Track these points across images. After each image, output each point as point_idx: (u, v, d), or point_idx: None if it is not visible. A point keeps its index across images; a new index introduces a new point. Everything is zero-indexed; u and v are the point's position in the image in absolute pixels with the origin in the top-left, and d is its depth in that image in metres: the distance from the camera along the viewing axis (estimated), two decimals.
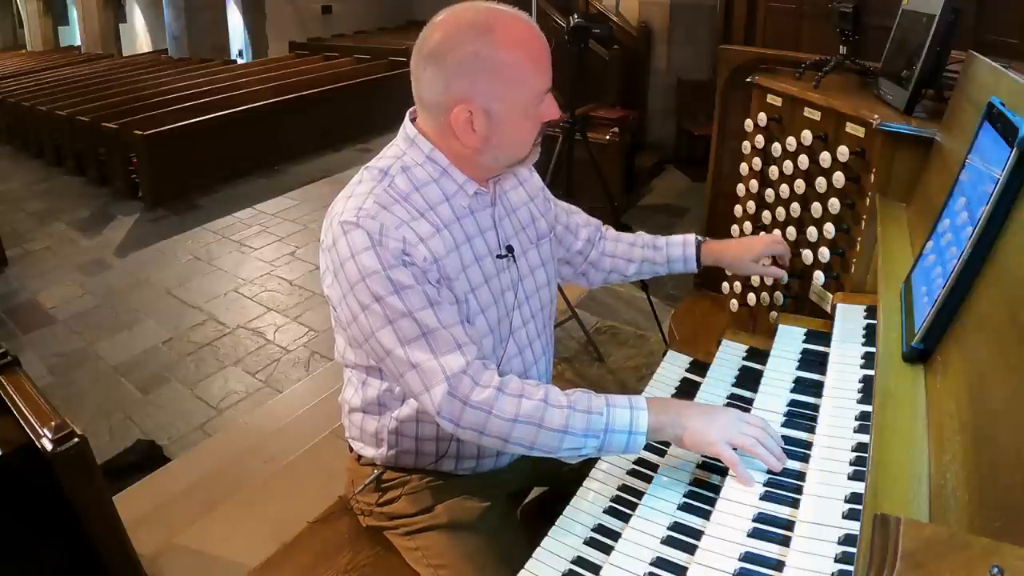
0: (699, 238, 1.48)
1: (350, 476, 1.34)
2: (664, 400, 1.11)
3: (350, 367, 1.24)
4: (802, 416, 1.13)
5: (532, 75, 1.05)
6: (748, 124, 2.12)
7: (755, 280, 2.17)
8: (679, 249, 1.46)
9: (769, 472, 1.01)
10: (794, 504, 0.93)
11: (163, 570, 1.99)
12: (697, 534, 0.94)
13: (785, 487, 0.98)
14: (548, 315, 1.31)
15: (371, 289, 1.02)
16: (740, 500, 0.96)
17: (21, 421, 1.37)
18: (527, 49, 1.04)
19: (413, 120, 1.14)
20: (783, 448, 1.03)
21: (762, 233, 1.38)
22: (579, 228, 1.45)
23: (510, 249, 1.18)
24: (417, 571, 1.23)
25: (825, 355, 1.23)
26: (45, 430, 1.32)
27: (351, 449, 1.34)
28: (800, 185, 1.89)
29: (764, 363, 1.28)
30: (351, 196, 1.08)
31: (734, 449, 1.01)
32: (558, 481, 1.35)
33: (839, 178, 1.69)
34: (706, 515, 0.96)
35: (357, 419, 1.27)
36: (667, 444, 1.15)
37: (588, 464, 1.15)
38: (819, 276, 1.79)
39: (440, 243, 1.08)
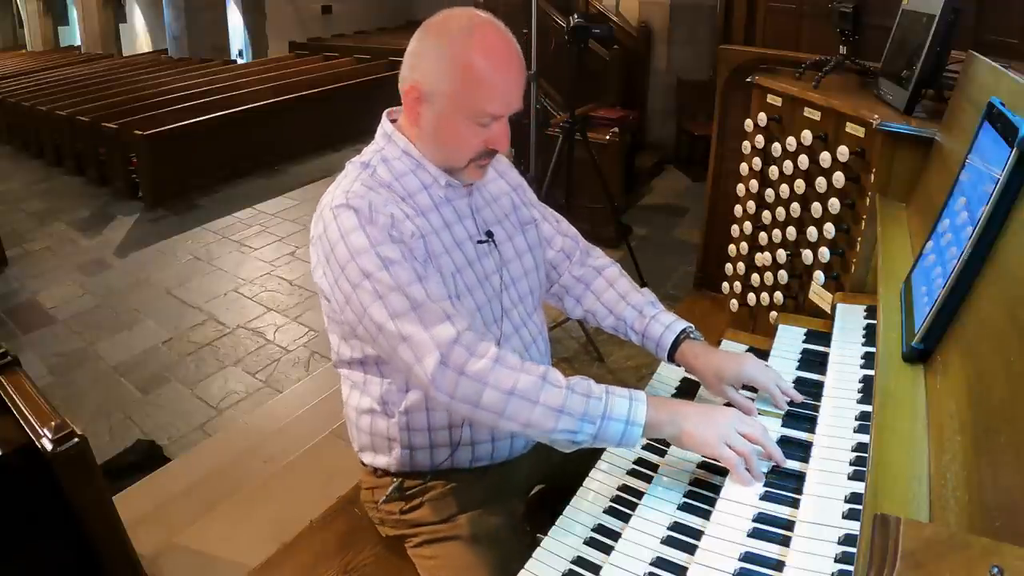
0: (688, 331, 1.29)
1: (367, 486, 1.32)
2: (663, 399, 1.10)
3: (346, 368, 1.25)
4: (802, 416, 1.13)
5: (484, 90, 1.06)
6: (748, 124, 2.12)
7: (755, 280, 2.17)
8: (659, 329, 1.29)
9: (770, 471, 1.01)
10: (794, 504, 0.93)
11: (163, 570, 1.98)
12: (697, 534, 0.94)
13: (785, 487, 0.98)
14: (537, 299, 1.32)
15: (361, 267, 1.05)
16: (740, 500, 0.96)
17: (21, 421, 1.37)
18: (491, 65, 1.06)
19: (392, 121, 1.20)
20: (782, 451, 1.03)
21: (750, 364, 1.21)
22: (554, 236, 1.39)
23: (490, 234, 1.22)
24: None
25: (825, 355, 1.23)
26: (45, 430, 1.32)
27: (364, 463, 1.32)
28: (800, 185, 1.89)
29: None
30: (338, 186, 1.14)
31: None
32: (560, 479, 1.35)
33: (839, 178, 1.69)
34: (706, 515, 0.96)
35: (366, 424, 1.26)
36: (667, 444, 1.15)
37: (589, 463, 1.15)
38: (819, 276, 1.79)
39: (423, 224, 1.13)
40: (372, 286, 1.04)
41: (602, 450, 1.17)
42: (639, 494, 1.06)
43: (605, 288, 1.37)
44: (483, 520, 1.22)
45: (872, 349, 1.15)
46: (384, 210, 1.08)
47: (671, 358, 1.29)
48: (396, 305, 1.03)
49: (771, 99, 2.01)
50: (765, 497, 0.97)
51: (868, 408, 1.01)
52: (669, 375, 1.38)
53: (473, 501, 1.23)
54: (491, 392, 1.00)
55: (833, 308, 1.41)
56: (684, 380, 1.36)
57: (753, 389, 1.21)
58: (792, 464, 1.02)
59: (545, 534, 1.03)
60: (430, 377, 1.01)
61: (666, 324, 1.29)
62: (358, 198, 1.08)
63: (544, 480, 1.43)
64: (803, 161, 1.84)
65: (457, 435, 1.22)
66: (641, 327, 1.31)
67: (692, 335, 1.29)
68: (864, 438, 0.98)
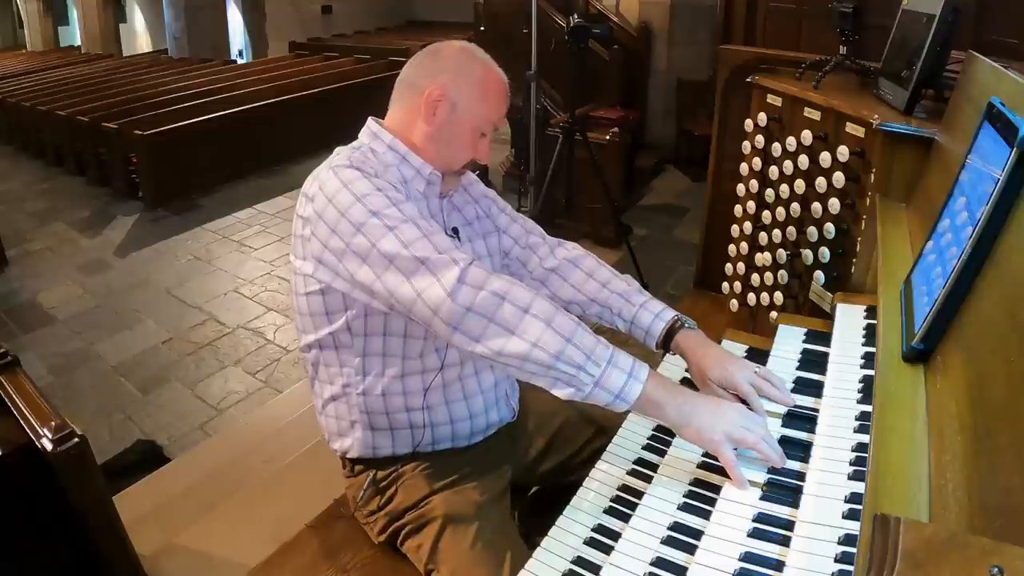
0: (680, 320, 1.29)
1: (350, 492, 1.34)
2: (675, 384, 1.10)
3: (308, 352, 1.26)
4: (802, 416, 1.13)
5: (491, 104, 1.25)
6: (748, 124, 2.12)
7: (755, 280, 2.17)
8: (648, 317, 1.29)
9: (769, 471, 1.01)
10: (794, 504, 0.93)
11: (163, 570, 1.98)
12: (697, 534, 0.94)
13: (785, 487, 0.98)
14: None
15: (368, 206, 1.08)
16: (740, 500, 0.96)
17: (21, 421, 1.37)
18: (497, 88, 1.26)
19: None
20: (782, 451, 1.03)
21: (738, 371, 1.18)
22: (520, 235, 1.43)
23: (456, 231, 1.29)
24: (421, 570, 1.22)
25: (825, 355, 1.23)
26: (45, 430, 1.32)
27: (343, 465, 1.35)
28: (800, 185, 1.89)
29: (764, 363, 1.28)
30: (335, 158, 1.19)
31: (735, 448, 1.01)
32: (558, 477, 1.35)
33: (839, 178, 1.69)
34: (706, 515, 0.96)
35: (331, 410, 1.29)
36: (667, 444, 1.16)
37: (588, 463, 1.15)
38: (819, 276, 1.79)
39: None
40: (381, 221, 1.07)
41: (602, 450, 1.17)
42: (639, 494, 1.06)
43: (585, 279, 1.38)
44: (460, 496, 1.23)
45: (872, 349, 1.15)
46: (384, 175, 1.15)
47: (663, 347, 1.30)
48: (409, 234, 1.06)
49: (771, 99, 2.01)
50: (765, 497, 0.97)
51: (868, 408, 1.01)
52: (669, 375, 1.37)
53: (446, 480, 1.25)
54: (508, 307, 1.01)
55: (833, 308, 1.41)
56: (684, 380, 1.35)
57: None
58: (792, 464, 1.02)
59: (545, 534, 1.03)
60: (450, 289, 1.00)
61: (655, 312, 1.30)
62: (360, 162, 1.15)
63: (534, 479, 1.43)
64: (803, 161, 1.84)
65: (417, 418, 1.25)
66: (629, 315, 1.32)
67: (687, 324, 1.29)
68: (864, 438, 0.98)
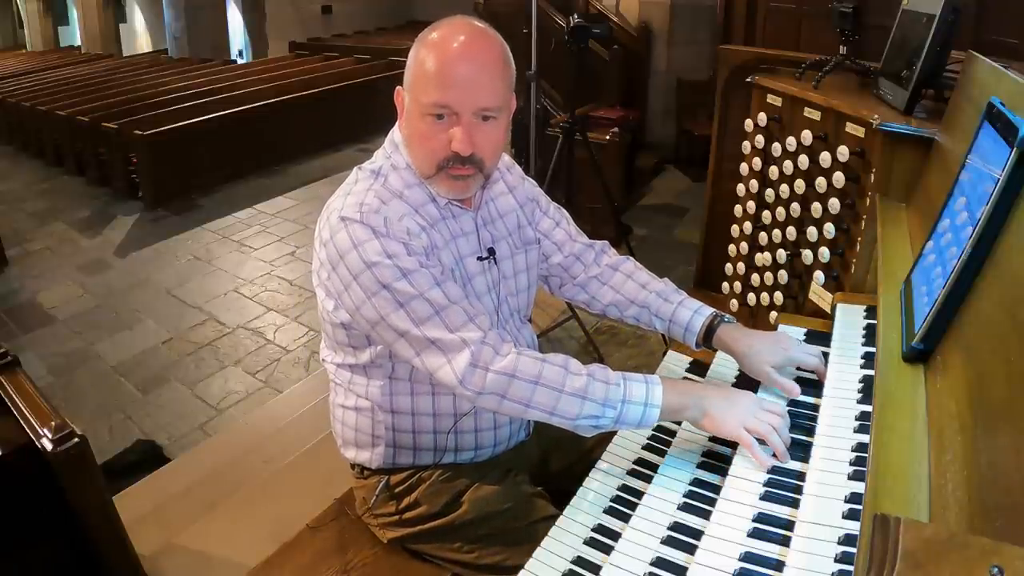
0: (719, 315, 1.28)
1: (359, 494, 1.33)
2: (686, 382, 1.15)
3: (332, 367, 1.26)
4: (802, 416, 1.13)
5: (427, 78, 1.04)
6: (748, 124, 2.12)
7: (755, 280, 2.17)
8: (687, 314, 1.28)
9: (769, 472, 1.01)
10: (794, 504, 0.93)
11: (163, 570, 1.98)
12: (697, 534, 0.94)
13: (785, 487, 0.98)
14: (523, 317, 1.34)
15: (378, 277, 1.04)
16: (740, 500, 0.96)
17: (21, 421, 1.37)
18: (437, 54, 1.04)
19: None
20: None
21: (796, 347, 1.21)
22: (565, 241, 1.40)
23: (491, 252, 1.22)
24: (454, 570, 1.23)
25: (825, 355, 1.23)
26: (45, 430, 1.32)
27: (352, 466, 1.34)
28: (800, 185, 1.89)
29: None
30: (350, 193, 1.12)
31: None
32: (560, 478, 1.36)
33: (839, 178, 1.69)
34: (706, 515, 0.96)
35: (351, 419, 1.27)
36: (667, 444, 1.16)
37: (588, 463, 1.15)
38: (819, 276, 1.79)
39: (433, 237, 1.13)
40: (391, 296, 1.04)
41: (603, 450, 1.18)
42: (639, 494, 1.06)
43: (624, 280, 1.38)
44: (488, 495, 1.22)
45: (872, 349, 1.15)
46: (399, 225, 1.08)
47: (705, 342, 1.28)
48: (420, 311, 1.04)
49: (771, 99, 2.01)
50: (765, 497, 0.97)
51: (868, 408, 1.01)
52: (675, 369, 1.38)
53: (468, 483, 1.24)
54: (518, 384, 1.03)
55: (833, 308, 1.41)
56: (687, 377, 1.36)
57: (757, 383, 1.21)
58: (792, 464, 1.02)
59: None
60: (460, 377, 1.02)
61: (694, 309, 1.29)
62: (373, 212, 1.07)
63: (540, 479, 1.44)
64: (803, 161, 1.84)
65: (442, 441, 1.24)
66: (667, 313, 1.31)
67: (726, 319, 1.28)
68: (864, 438, 0.98)
